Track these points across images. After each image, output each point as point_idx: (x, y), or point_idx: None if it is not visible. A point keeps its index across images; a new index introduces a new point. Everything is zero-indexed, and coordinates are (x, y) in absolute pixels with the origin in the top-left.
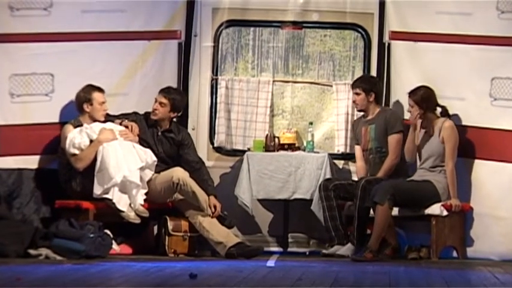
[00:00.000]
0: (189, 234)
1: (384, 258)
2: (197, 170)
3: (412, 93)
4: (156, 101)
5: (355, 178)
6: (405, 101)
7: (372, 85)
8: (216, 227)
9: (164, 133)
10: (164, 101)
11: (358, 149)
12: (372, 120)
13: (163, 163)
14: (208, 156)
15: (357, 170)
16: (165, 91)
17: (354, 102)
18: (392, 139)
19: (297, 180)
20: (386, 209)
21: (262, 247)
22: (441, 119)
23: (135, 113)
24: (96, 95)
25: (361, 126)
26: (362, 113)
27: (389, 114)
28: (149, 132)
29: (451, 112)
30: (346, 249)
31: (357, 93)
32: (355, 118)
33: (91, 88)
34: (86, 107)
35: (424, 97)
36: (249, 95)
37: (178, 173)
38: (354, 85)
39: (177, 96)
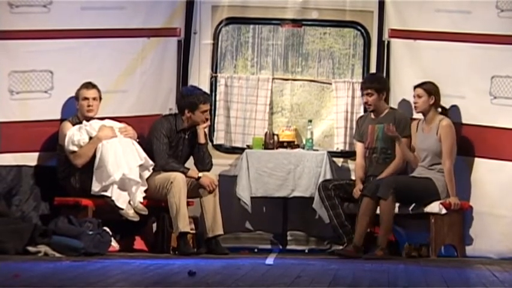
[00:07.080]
0: None
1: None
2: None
3: (421, 84)
4: (205, 112)
5: (354, 177)
6: (404, 99)
7: (383, 84)
8: (210, 210)
9: (189, 137)
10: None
11: (360, 146)
12: (380, 119)
13: None
14: None
15: (356, 167)
16: (209, 100)
17: (366, 103)
18: None
19: (296, 178)
20: (390, 203)
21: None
22: (439, 116)
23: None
24: (81, 92)
25: (367, 123)
26: (366, 111)
27: (399, 117)
28: (175, 137)
29: (450, 110)
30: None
31: (370, 94)
32: (355, 116)
33: (81, 85)
34: (76, 104)
35: (434, 89)
36: (248, 93)
37: (179, 178)
38: (365, 86)
39: None
